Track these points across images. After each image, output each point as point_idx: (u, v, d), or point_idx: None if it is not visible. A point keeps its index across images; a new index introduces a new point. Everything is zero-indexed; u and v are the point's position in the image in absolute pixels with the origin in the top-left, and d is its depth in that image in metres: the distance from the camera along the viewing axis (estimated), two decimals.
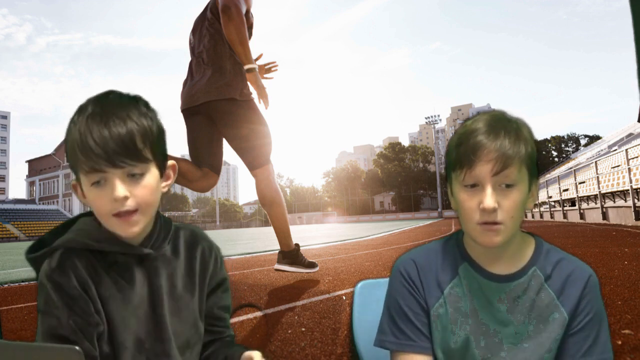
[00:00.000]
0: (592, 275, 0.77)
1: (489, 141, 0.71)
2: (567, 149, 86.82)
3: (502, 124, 0.73)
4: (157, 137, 0.75)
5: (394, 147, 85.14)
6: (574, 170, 16.48)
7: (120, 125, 0.70)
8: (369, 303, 0.99)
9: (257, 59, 3.38)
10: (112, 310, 0.75)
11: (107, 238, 0.76)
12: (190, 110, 3.01)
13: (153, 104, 0.79)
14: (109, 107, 0.71)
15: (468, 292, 0.79)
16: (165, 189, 0.81)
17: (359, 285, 1.03)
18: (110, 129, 0.69)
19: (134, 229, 0.73)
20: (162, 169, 0.78)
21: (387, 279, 1.04)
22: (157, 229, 0.81)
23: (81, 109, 0.72)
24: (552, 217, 18.81)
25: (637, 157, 11.28)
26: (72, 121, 0.72)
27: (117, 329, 0.75)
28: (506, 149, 0.70)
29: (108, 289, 0.75)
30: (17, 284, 4.54)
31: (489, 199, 0.70)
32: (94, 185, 0.71)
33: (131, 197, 0.71)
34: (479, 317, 0.77)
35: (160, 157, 0.77)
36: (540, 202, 21.72)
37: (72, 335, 0.71)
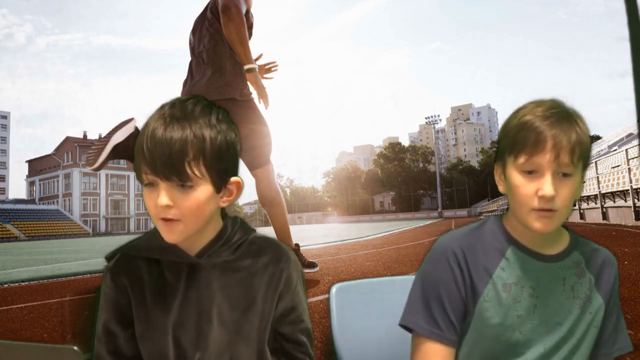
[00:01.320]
0: (616, 260, 0.84)
1: (552, 130, 0.72)
2: None
3: (564, 115, 0.74)
4: (217, 153, 0.72)
5: (394, 147, 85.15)
6: None
7: (177, 134, 0.69)
8: (346, 306, 0.96)
9: (257, 59, 3.38)
10: (152, 318, 0.76)
11: (162, 246, 0.76)
12: None
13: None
14: (178, 113, 0.71)
15: (516, 275, 0.79)
16: (225, 204, 0.78)
17: (334, 288, 0.98)
18: (165, 137, 0.69)
19: (174, 237, 0.73)
20: (219, 185, 0.75)
21: (362, 280, 1.02)
22: (220, 240, 0.79)
23: (161, 107, 0.74)
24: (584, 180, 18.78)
25: (637, 157, 11.27)
26: (151, 116, 0.73)
27: (158, 335, 0.75)
28: (568, 139, 0.72)
29: (151, 296, 0.77)
30: (17, 284, 4.54)
31: (548, 186, 0.71)
32: (147, 185, 0.72)
33: (175, 207, 0.70)
34: (528, 299, 0.78)
35: (219, 173, 0.74)
36: None
37: (105, 336, 0.77)
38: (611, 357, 0.82)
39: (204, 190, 0.72)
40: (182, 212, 0.71)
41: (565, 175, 0.73)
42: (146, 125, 0.72)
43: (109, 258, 0.81)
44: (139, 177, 0.73)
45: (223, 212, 0.83)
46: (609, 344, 0.81)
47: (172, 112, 0.71)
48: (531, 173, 0.74)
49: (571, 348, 0.77)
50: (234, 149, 0.76)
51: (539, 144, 0.72)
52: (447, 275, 0.80)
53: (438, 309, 0.79)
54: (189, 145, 0.69)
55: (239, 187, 0.79)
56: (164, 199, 0.70)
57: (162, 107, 0.73)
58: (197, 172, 0.70)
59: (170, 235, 0.73)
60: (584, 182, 0.78)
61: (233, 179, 0.78)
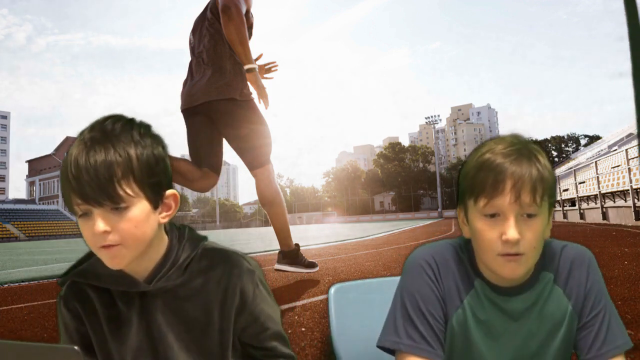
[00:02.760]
0: (590, 253, 0.78)
1: (511, 170, 0.68)
2: (567, 149, 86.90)
3: (523, 152, 0.70)
4: (146, 168, 0.70)
5: (394, 147, 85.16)
6: (574, 170, 16.49)
7: (101, 157, 0.66)
8: (345, 306, 0.96)
9: (257, 59, 3.38)
10: (110, 347, 0.75)
11: (111, 274, 0.74)
12: (190, 110, 3.01)
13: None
14: (98, 135, 0.68)
15: (485, 309, 0.76)
16: (165, 220, 0.75)
17: (333, 289, 0.98)
18: (89, 162, 0.66)
19: (118, 263, 0.70)
20: (155, 200, 0.72)
21: (361, 281, 1.02)
22: (167, 262, 0.76)
23: (80, 133, 0.70)
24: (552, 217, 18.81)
25: (637, 157, 11.27)
26: (72, 144, 0.70)
27: None
28: (529, 177, 0.68)
29: (105, 324, 0.76)
30: (17, 284, 4.53)
31: (512, 230, 0.67)
32: (81, 217, 0.69)
33: (114, 231, 0.68)
34: (494, 333, 0.75)
35: (152, 188, 0.71)
36: None
37: None
38: (606, 358, 0.74)
39: (139, 208, 0.69)
40: (121, 235, 0.68)
41: (530, 216, 0.68)
42: (68, 154, 0.68)
43: (62, 283, 0.79)
44: (71, 209, 0.70)
45: (169, 223, 0.79)
46: (595, 346, 0.73)
47: (92, 136, 0.68)
48: (494, 216, 0.69)
49: None
50: (163, 162, 0.73)
51: (498, 185, 0.68)
52: (426, 289, 0.76)
53: (424, 325, 0.75)
54: (115, 166, 0.67)
55: (177, 199, 0.77)
56: (100, 224, 0.67)
57: (82, 132, 0.70)
58: (128, 191, 0.68)
59: (113, 262, 0.70)
60: (551, 218, 0.73)
61: (169, 192, 0.75)
